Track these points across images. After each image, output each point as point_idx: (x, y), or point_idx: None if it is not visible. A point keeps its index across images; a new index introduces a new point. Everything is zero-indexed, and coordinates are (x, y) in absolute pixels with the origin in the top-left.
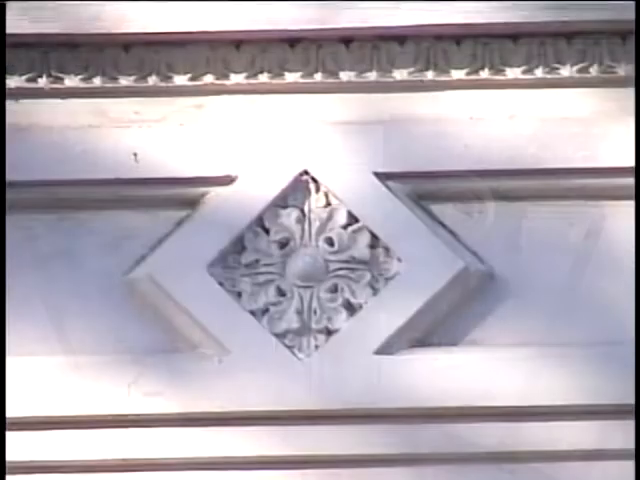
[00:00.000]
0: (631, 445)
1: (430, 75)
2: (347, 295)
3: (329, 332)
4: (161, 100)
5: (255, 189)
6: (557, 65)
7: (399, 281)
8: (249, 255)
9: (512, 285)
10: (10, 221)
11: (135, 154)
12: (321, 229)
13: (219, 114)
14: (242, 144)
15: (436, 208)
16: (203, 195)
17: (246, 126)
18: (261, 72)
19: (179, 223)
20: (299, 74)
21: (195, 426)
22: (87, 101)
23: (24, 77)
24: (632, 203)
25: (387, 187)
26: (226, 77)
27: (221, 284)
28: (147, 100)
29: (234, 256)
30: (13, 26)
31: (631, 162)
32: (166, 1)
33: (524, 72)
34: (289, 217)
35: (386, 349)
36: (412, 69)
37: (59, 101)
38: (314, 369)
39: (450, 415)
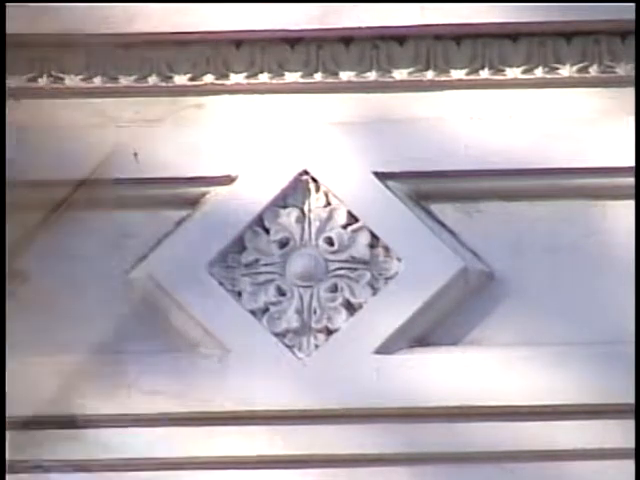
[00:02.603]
0: (631, 445)
1: (430, 75)
2: (347, 295)
3: (329, 332)
4: (161, 100)
5: (255, 189)
6: (557, 65)
7: (399, 281)
8: (249, 255)
9: (512, 285)
10: (10, 221)
11: (135, 154)
12: (321, 229)
13: (219, 114)
14: (242, 144)
15: (436, 208)
16: (203, 195)
17: (246, 126)
18: (261, 72)
19: (179, 223)
20: (299, 74)
21: (195, 426)
22: (87, 101)
23: (24, 77)
24: (632, 203)
25: (387, 187)
26: (226, 77)
27: (221, 284)
28: (147, 100)
29: (234, 256)
30: (13, 26)
31: (631, 162)
32: (166, 1)
33: (524, 72)
34: (289, 217)
35: (386, 349)
36: (412, 69)
37: (59, 101)
38: (314, 369)
39: (450, 415)
